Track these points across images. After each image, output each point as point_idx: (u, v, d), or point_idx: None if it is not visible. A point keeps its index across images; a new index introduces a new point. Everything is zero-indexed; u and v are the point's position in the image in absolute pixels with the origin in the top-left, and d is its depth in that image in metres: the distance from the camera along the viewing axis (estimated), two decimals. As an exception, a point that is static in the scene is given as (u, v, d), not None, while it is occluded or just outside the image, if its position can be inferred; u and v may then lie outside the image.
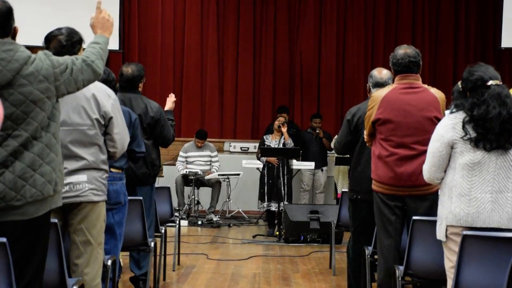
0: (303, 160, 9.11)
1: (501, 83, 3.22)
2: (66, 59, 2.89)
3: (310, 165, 8.97)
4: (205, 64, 11.13)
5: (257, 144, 9.31)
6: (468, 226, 3.17)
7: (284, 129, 8.46)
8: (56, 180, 2.81)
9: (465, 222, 3.17)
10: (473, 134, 3.17)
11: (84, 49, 3.36)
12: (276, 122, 8.64)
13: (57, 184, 2.83)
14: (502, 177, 3.16)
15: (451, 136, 3.21)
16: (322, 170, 9.66)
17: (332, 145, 8.81)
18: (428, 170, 3.34)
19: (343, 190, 6.27)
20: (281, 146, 8.51)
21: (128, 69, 4.93)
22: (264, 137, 8.78)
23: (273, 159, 8.48)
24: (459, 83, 3.54)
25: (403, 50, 4.07)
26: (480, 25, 11.09)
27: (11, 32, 2.80)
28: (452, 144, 3.22)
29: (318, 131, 9.58)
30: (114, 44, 9.69)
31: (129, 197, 4.46)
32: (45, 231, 2.85)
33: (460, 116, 3.22)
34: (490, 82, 3.20)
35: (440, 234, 3.29)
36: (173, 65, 11.10)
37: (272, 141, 8.63)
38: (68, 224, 3.38)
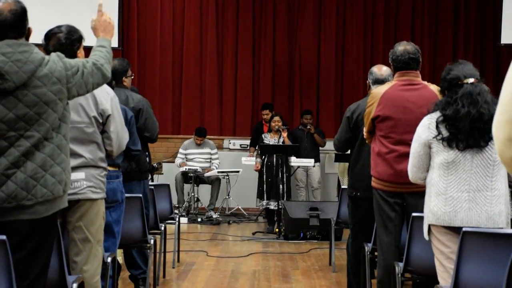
0: (297, 156, 9.07)
1: (476, 81, 3.22)
2: (78, 61, 2.92)
3: (309, 161, 8.96)
4: (204, 61, 11.12)
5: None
6: (446, 225, 3.18)
7: (284, 134, 8.46)
8: (66, 181, 2.85)
9: (443, 221, 3.18)
10: (445, 133, 3.18)
11: (84, 47, 3.38)
12: (273, 124, 8.62)
13: (66, 184, 2.87)
14: (480, 176, 3.15)
15: (426, 136, 3.24)
16: (314, 166, 9.61)
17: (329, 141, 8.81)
18: (410, 170, 3.37)
19: (342, 187, 6.27)
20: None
21: None
22: (263, 135, 8.78)
23: (257, 165, 8.59)
24: None
25: (403, 47, 4.06)
26: (479, 21, 11.07)
27: (26, 33, 2.82)
28: (428, 144, 3.25)
29: (309, 127, 9.57)
30: (113, 41, 9.64)
31: (129, 195, 4.47)
32: (52, 230, 2.88)
33: (435, 115, 3.24)
34: (464, 81, 3.20)
35: (424, 233, 3.32)
36: (172, 62, 11.09)
37: (271, 139, 8.63)
38: (67, 222, 3.38)
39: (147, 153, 5.12)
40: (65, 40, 3.30)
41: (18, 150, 2.70)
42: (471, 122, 3.12)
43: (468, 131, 3.12)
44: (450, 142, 3.16)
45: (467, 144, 3.13)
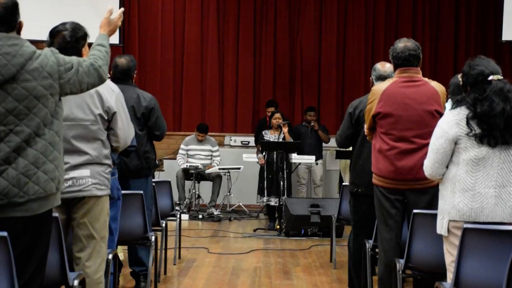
0: (298, 153, 9.06)
1: (502, 77, 3.21)
2: (73, 59, 2.90)
3: (311, 158, 8.95)
4: (205, 58, 11.12)
5: (257, 138, 9.28)
6: (472, 221, 3.17)
7: (285, 129, 8.44)
8: (59, 178, 2.83)
9: (468, 217, 3.17)
10: (477, 130, 3.16)
11: (88, 43, 3.36)
12: (274, 121, 8.60)
13: (60, 182, 2.85)
14: (506, 172, 3.16)
15: (455, 132, 3.20)
16: (317, 164, 9.61)
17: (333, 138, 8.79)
18: (431, 167, 3.32)
19: (343, 184, 6.27)
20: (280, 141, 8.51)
21: (123, 60, 4.88)
22: (263, 132, 8.77)
23: (261, 160, 8.52)
24: (458, 76, 3.53)
25: (403, 44, 4.06)
26: (480, 18, 11.07)
27: (17, 27, 2.80)
28: (456, 140, 3.22)
29: (313, 123, 9.56)
30: (114, 38, 9.61)
31: (130, 191, 4.48)
32: (46, 228, 2.86)
33: (463, 112, 3.21)
34: (491, 77, 3.18)
35: (441, 228, 3.28)
36: (173, 59, 11.09)
37: (271, 136, 8.62)
38: (72, 218, 3.39)
39: (153, 150, 5.14)
40: (70, 38, 3.29)
41: (8, 145, 2.68)
42: (506, 119, 3.12)
43: (502, 128, 3.12)
44: (483, 138, 3.15)
45: (502, 140, 3.14)
